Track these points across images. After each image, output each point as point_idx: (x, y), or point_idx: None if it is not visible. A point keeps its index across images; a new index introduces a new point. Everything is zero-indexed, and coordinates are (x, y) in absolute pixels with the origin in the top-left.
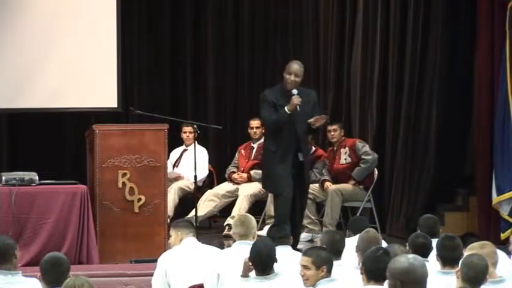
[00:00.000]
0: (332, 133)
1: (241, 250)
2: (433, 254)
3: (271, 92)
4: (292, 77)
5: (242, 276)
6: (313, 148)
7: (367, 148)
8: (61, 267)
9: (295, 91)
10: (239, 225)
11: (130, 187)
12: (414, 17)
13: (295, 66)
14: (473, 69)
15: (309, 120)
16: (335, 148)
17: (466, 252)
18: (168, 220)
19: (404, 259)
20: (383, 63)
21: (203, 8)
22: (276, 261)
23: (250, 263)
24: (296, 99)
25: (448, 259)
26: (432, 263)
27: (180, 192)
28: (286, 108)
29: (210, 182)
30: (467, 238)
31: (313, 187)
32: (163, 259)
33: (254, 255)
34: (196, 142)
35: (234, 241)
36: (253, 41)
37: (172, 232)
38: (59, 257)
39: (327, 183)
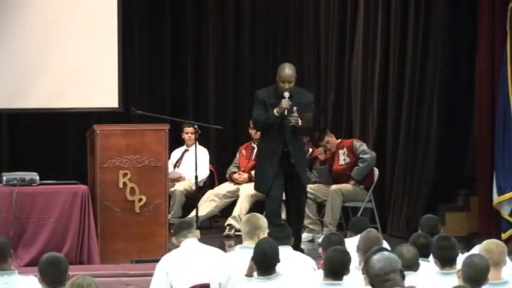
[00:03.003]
0: (328, 146)
1: (242, 255)
2: None
3: (264, 92)
4: (287, 85)
5: (246, 275)
6: (310, 149)
7: (364, 147)
8: (60, 266)
9: (286, 94)
10: (244, 223)
11: (131, 187)
12: (415, 17)
13: (287, 72)
14: (474, 70)
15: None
16: (333, 150)
17: (477, 250)
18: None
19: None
20: (384, 63)
21: (204, 7)
22: (279, 262)
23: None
24: (285, 103)
25: (446, 259)
26: (433, 263)
27: (186, 193)
28: (275, 110)
29: (210, 182)
30: (474, 239)
31: (314, 187)
32: (164, 262)
33: (258, 255)
34: (197, 142)
35: (236, 240)
36: (253, 41)
37: (173, 239)
38: (57, 256)
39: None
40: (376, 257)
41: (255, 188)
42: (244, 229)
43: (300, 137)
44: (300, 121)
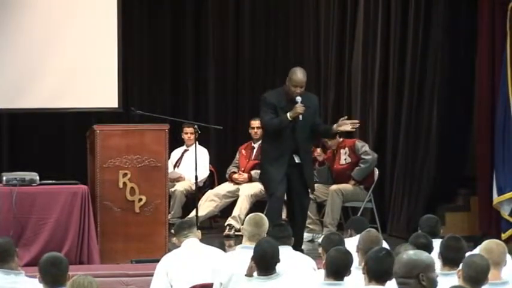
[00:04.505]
0: (329, 143)
1: (243, 255)
2: (434, 254)
3: (272, 95)
4: (298, 90)
5: (246, 275)
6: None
7: (366, 148)
8: (60, 266)
9: (299, 98)
10: (252, 224)
11: (131, 187)
12: (415, 17)
13: (300, 77)
14: (474, 70)
15: (334, 127)
16: (335, 149)
17: (477, 250)
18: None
19: (407, 254)
20: (384, 63)
21: (204, 7)
22: (279, 261)
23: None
24: (300, 108)
25: (449, 259)
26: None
27: (186, 193)
28: (288, 114)
29: (210, 182)
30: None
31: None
32: (164, 262)
33: (258, 255)
34: (197, 142)
35: (236, 240)
36: (253, 40)
37: (174, 239)
38: (57, 256)
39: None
40: (400, 255)
41: (265, 190)
42: (247, 229)
43: (310, 142)
44: None
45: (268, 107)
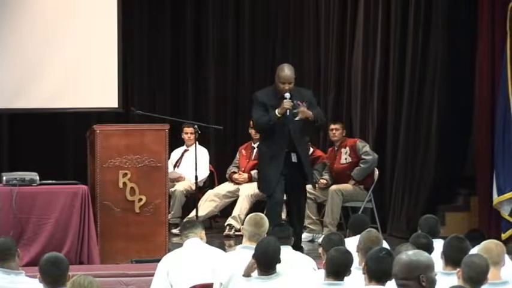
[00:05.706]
0: (334, 131)
1: (244, 255)
2: (434, 254)
3: (263, 93)
4: (287, 86)
5: (244, 275)
6: (311, 149)
7: (367, 148)
8: (61, 266)
9: (287, 95)
10: (252, 224)
11: (131, 187)
12: (415, 16)
13: (286, 73)
14: (474, 69)
15: (296, 118)
16: (336, 148)
17: (476, 250)
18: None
19: (406, 255)
20: (384, 63)
21: (204, 8)
22: (280, 262)
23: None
24: (287, 104)
25: (451, 259)
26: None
27: (186, 193)
28: (276, 111)
29: (210, 182)
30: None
31: None
32: (165, 261)
33: (260, 254)
34: (197, 142)
35: (236, 240)
36: (254, 41)
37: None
38: (58, 256)
39: (322, 180)
40: (399, 256)
41: (259, 189)
42: (248, 229)
43: (305, 136)
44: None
45: (258, 105)
